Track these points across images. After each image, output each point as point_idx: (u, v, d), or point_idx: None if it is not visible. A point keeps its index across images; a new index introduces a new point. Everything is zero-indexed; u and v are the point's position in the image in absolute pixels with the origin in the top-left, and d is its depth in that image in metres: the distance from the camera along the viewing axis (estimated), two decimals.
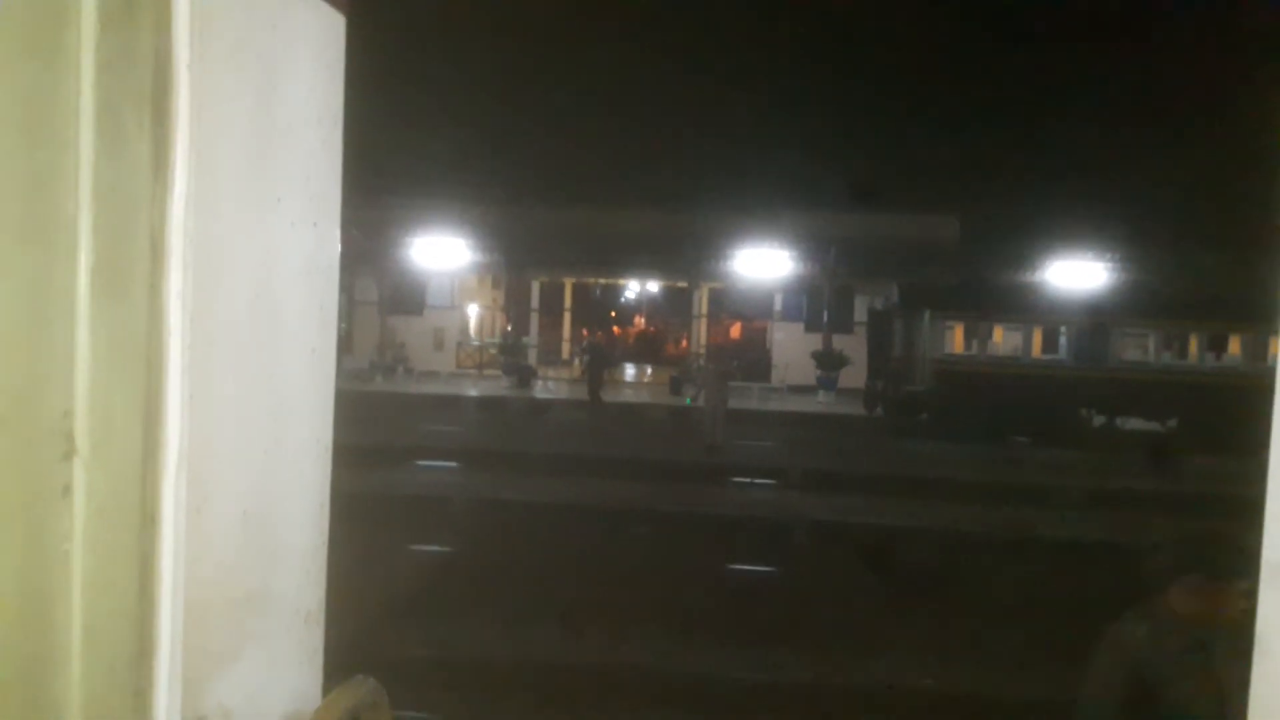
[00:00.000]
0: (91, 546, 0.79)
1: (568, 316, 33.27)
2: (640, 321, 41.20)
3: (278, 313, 1.08)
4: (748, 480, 13.40)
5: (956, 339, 20.35)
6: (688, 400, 18.02)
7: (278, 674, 1.12)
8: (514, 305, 28.57)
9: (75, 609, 0.78)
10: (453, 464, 13.71)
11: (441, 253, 25.42)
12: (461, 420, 19.31)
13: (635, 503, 11.47)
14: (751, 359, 28.07)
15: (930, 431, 18.42)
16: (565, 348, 32.34)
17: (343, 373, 24.99)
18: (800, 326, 27.02)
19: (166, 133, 0.86)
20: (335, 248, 1.19)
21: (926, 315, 19.75)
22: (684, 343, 39.00)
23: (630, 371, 31.49)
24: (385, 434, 15.35)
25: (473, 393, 22.78)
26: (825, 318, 24.44)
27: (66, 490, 0.78)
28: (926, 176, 26.87)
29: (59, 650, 0.78)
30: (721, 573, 9.06)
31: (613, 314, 40.37)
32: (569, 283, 31.69)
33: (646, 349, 38.39)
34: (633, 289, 37.93)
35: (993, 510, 11.62)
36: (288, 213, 1.09)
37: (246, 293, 1.02)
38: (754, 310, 29.98)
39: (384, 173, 25.25)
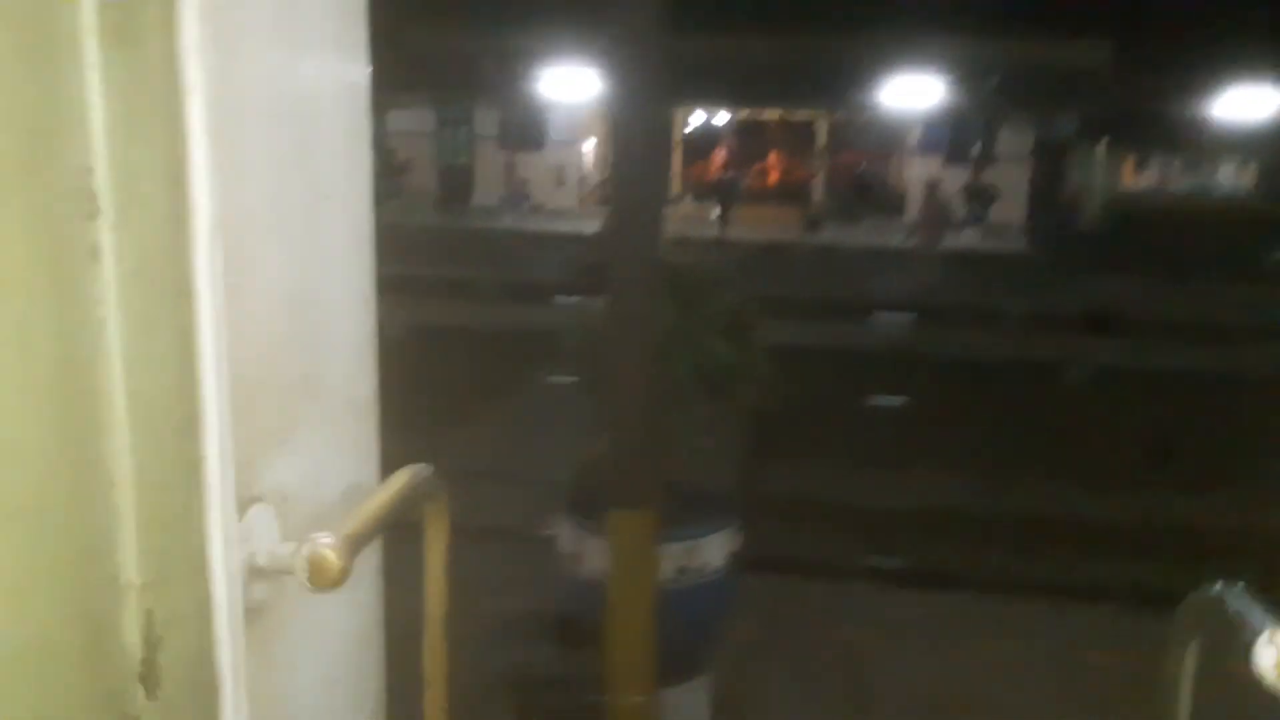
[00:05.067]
0: (127, 312, 0.75)
1: (680, 152, 32.14)
2: (721, 156, 39.30)
3: (307, 86, 1.04)
4: (965, 322, 12.67)
5: (1129, 172, 19.14)
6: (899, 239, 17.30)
7: (332, 460, 1.12)
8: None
9: (117, 377, 0.75)
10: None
11: (563, 85, 24.34)
12: None
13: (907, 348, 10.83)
14: (882, 194, 26.96)
15: (1107, 269, 17.50)
16: (676, 182, 31.37)
17: (472, 210, 24.86)
18: (937, 160, 25.63)
19: None
20: (361, 10, 1.14)
21: (1102, 147, 18.50)
22: (790, 175, 37.69)
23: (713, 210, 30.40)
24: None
25: None
26: (977, 150, 23.06)
27: (94, 252, 0.73)
28: None
29: (105, 418, 0.75)
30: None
31: (727, 148, 38.90)
32: (682, 117, 30.47)
33: (770, 184, 37.06)
34: (741, 122, 36.35)
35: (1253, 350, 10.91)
36: (309, 44, 1.04)
37: (271, 60, 0.96)
38: (884, 143, 28.56)
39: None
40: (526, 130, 25.66)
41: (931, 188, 16.43)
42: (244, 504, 0.92)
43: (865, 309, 12.92)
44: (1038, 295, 14.85)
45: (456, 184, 25.95)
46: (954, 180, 23.77)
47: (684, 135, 36.11)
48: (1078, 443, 7.83)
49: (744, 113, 32.86)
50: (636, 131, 2.87)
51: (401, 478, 1.11)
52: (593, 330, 3.52)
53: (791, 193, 34.06)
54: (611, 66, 2.80)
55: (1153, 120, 19.99)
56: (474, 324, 11.82)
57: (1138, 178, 19.37)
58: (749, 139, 37.55)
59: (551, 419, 7.80)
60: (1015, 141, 24.61)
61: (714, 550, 3.40)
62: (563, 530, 3.54)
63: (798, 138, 35.36)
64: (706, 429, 3.48)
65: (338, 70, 1.14)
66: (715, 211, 27.31)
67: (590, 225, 23.14)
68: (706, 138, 35.42)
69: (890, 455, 7.18)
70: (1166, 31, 21.58)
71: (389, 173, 25.13)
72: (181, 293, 0.83)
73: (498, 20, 23.84)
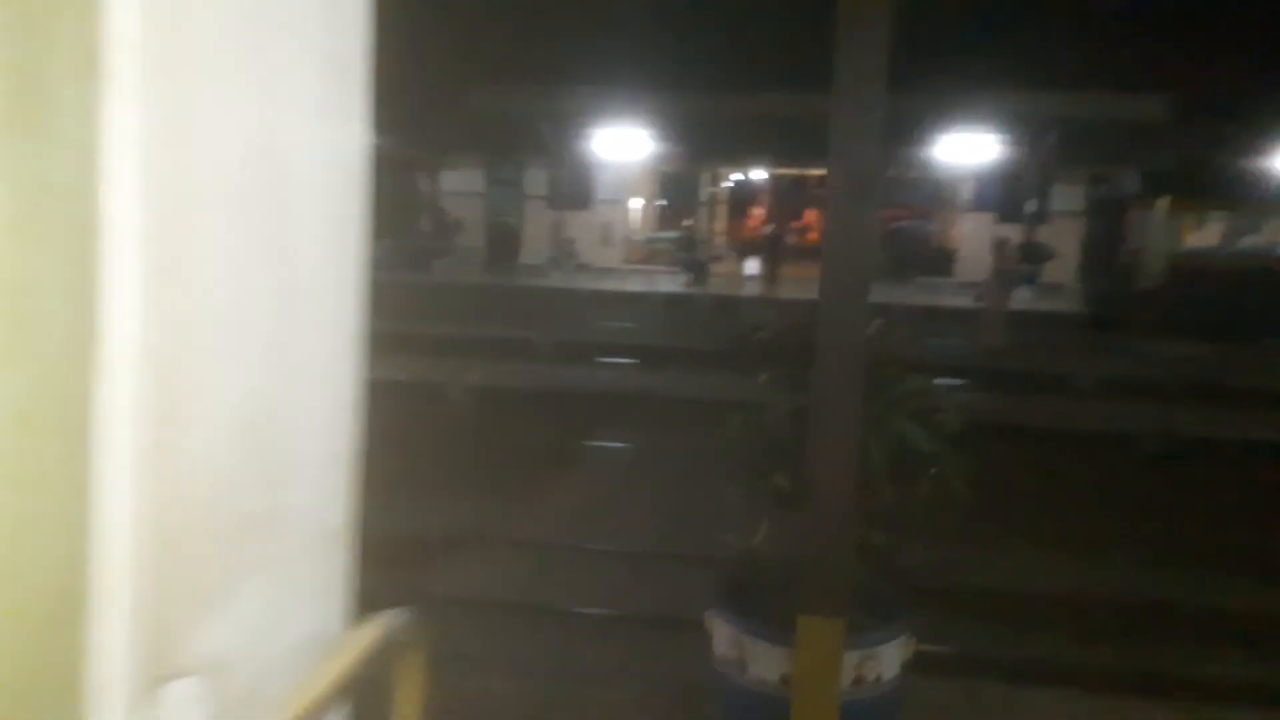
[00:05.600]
0: (2, 471, 0.60)
1: (723, 210, 32.27)
2: (755, 213, 39.17)
3: (282, 170, 0.84)
4: (1045, 386, 12.20)
5: (1190, 230, 18.78)
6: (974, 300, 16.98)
7: (290, 607, 0.93)
8: (679, 199, 27.70)
9: None
10: None
11: (609, 145, 24.45)
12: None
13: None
14: (928, 253, 26.74)
15: (1171, 331, 17.08)
16: (719, 242, 31.40)
17: (519, 268, 24.90)
18: (988, 218, 25.34)
19: None
20: (362, 90, 0.93)
21: (1164, 204, 18.17)
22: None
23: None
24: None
25: (665, 289, 22.11)
26: (1032, 207, 22.77)
27: None
28: (1127, 49, 24.53)
29: None
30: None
31: (763, 205, 38.94)
32: (721, 174, 30.58)
33: (809, 241, 37.01)
34: (779, 178, 36.36)
35: None
36: (291, 38, 0.81)
37: (234, 140, 0.77)
38: (933, 200, 28.42)
39: (554, 58, 24.32)
40: (573, 190, 25.75)
41: (1001, 245, 16.15)
42: (154, 688, 0.72)
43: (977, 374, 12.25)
44: (1125, 359, 14.45)
45: (504, 243, 26.04)
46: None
47: (717, 193, 36.28)
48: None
49: (781, 170, 32.94)
50: (851, 197, 2.64)
51: (370, 630, 0.94)
52: (762, 410, 3.29)
53: None
54: (831, 128, 2.59)
55: (1214, 176, 19.68)
56: (526, 383, 11.60)
57: (1199, 235, 19.00)
58: (785, 196, 37.68)
59: (656, 491, 7.58)
60: (1069, 199, 24.36)
61: (890, 659, 3.10)
62: (718, 630, 3.25)
63: None
64: (887, 522, 3.19)
65: (329, 142, 0.94)
66: (750, 267, 27.22)
67: (635, 284, 23.06)
68: (743, 196, 35.58)
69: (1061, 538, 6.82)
70: (1227, 86, 21.39)
71: (441, 232, 25.29)
72: (77, 436, 0.64)
73: (548, 82, 24.08)
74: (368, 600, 1.11)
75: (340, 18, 0.91)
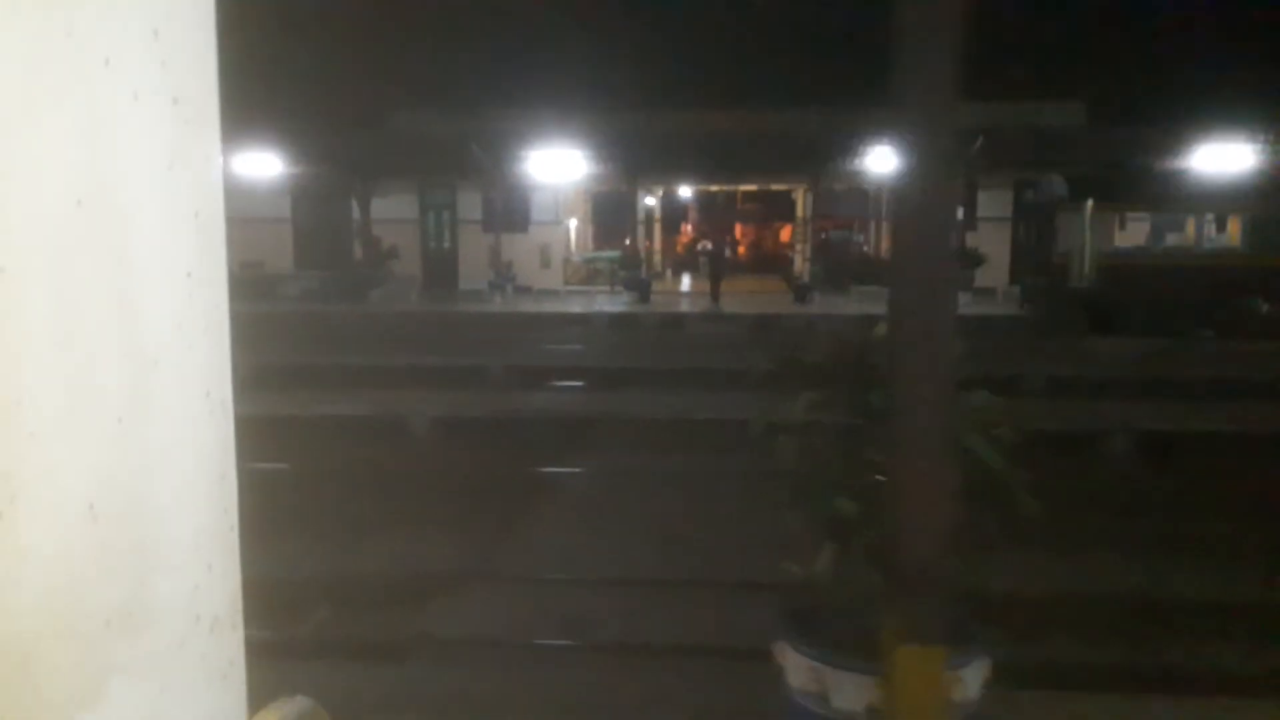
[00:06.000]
0: None
1: (658, 227, 32.40)
2: (687, 229, 39.50)
3: (125, 223, 0.79)
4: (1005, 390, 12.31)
5: (1117, 231, 19.43)
6: None
7: (173, 706, 0.87)
8: (614, 218, 27.72)
9: None
10: None
11: (544, 167, 24.37)
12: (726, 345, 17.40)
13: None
14: (860, 262, 27.20)
15: (1103, 329, 17.67)
16: (655, 259, 31.49)
17: (459, 294, 24.60)
18: None
19: None
20: (212, 134, 0.90)
21: (1090, 207, 18.76)
22: (760, 246, 38.02)
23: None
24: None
25: (610, 309, 21.99)
26: (960, 214, 23.33)
27: None
28: (1045, 55, 25.39)
29: None
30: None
31: (693, 221, 39.23)
32: (653, 192, 30.71)
33: (739, 255, 37.37)
34: (705, 194, 36.65)
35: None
36: (125, 80, 0.79)
37: (64, 192, 0.71)
38: (859, 211, 28.96)
39: (483, 81, 24.20)
40: (509, 212, 25.59)
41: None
42: None
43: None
44: (1077, 359, 14.77)
45: (442, 268, 25.76)
46: None
47: (652, 211, 36.44)
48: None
49: (710, 187, 33.27)
50: (928, 215, 2.63)
51: (266, 717, 0.88)
52: (811, 432, 3.25)
53: (764, 263, 34.41)
54: (902, 146, 2.58)
55: (1134, 179, 20.42)
56: (492, 413, 11.42)
57: (1124, 236, 19.67)
58: (716, 212, 38.07)
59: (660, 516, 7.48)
60: (994, 204, 25.04)
61: (973, 680, 3.08)
62: (791, 660, 3.19)
63: (772, 208, 35.86)
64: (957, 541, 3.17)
65: (177, 190, 0.87)
66: (686, 282, 27.39)
67: (578, 305, 22.97)
68: (675, 213, 35.85)
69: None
70: (1141, 91, 22.32)
71: (376, 260, 24.89)
72: None
73: (477, 104, 23.96)
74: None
75: (180, 59, 0.84)
